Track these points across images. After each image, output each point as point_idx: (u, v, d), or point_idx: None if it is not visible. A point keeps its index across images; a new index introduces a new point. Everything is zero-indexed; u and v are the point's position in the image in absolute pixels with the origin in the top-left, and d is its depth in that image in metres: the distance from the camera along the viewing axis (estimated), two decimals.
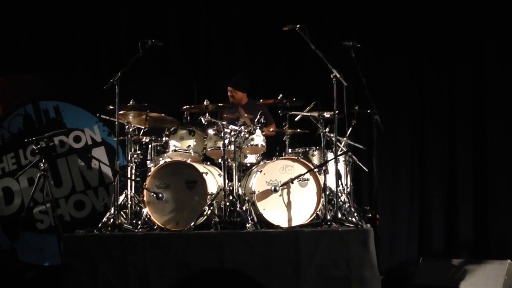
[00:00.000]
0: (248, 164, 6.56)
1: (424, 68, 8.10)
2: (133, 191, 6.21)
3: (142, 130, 6.57)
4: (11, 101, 8.19)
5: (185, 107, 6.49)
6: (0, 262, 6.54)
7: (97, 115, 7.17)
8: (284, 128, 6.53)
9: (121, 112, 6.19)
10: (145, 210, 6.02)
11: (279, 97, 6.47)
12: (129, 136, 6.30)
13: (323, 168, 6.02)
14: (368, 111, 6.72)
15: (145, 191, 6.05)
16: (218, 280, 5.41)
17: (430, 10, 8.08)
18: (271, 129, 7.03)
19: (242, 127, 6.33)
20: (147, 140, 6.54)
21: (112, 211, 5.95)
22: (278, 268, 5.37)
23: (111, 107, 6.15)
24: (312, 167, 6.04)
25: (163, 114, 6.49)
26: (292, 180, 5.95)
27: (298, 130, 6.61)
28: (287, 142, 6.51)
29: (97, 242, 5.60)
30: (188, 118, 6.60)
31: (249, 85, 7.56)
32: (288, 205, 5.96)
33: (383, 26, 8.15)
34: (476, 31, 7.96)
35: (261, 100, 6.76)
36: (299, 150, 6.66)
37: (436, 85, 8.04)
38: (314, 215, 5.95)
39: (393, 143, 8.05)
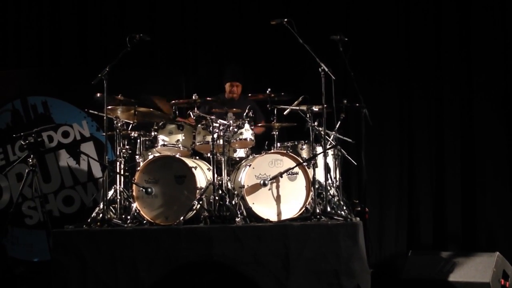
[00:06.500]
0: (237, 158, 6.55)
1: (412, 62, 8.09)
2: (122, 186, 6.20)
3: (131, 125, 6.56)
4: None
5: (173, 101, 6.48)
6: None
7: (86, 110, 7.15)
8: (273, 122, 6.53)
9: (109, 107, 6.16)
10: (134, 205, 6.01)
11: (267, 91, 6.47)
12: (117, 131, 6.28)
13: (312, 162, 6.02)
14: (357, 104, 6.73)
15: (134, 186, 6.04)
16: (208, 275, 5.41)
17: None
18: (260, 125, 7.01)
19: (231, 121, 6.33)
20: (135, 135, 6.53)
21: (101, 206, 5.94)
22: (267, 262, 5.37)
23: (98, 95, 6.12)
24: (301, 161, 6.04)
25: (151, 109, 6.48)
26: (281, 174, 5.94)
27: (287, 123, 6.60)
28: (275, 136, 6.51)
29: (86, 238, 5.60)
30: (177, 112, 6.58)
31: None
32: (278, 199, 5.96)
33: (370, 18, 8.15)
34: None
35: (249, 95, 6.76)
36: (288, 144, 6.66)
37: (424, 79, 8.04)
38: (304, 209, 5.95)
39: (381, 137, 8.05)
